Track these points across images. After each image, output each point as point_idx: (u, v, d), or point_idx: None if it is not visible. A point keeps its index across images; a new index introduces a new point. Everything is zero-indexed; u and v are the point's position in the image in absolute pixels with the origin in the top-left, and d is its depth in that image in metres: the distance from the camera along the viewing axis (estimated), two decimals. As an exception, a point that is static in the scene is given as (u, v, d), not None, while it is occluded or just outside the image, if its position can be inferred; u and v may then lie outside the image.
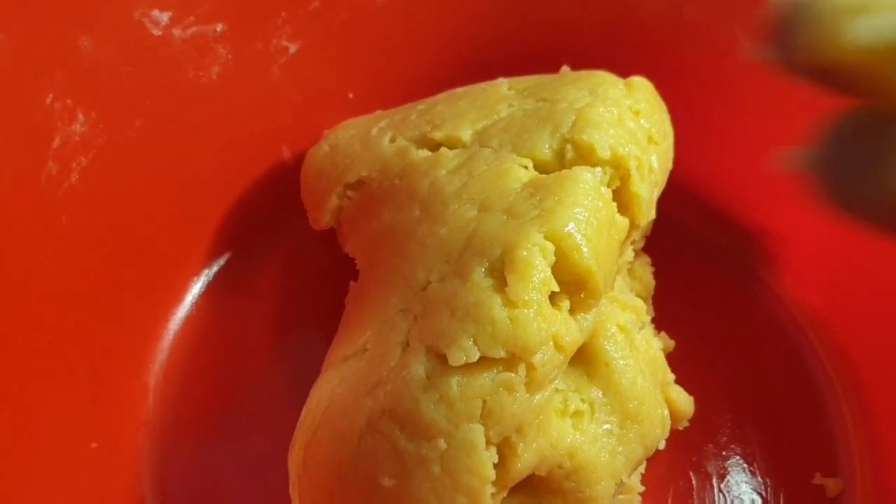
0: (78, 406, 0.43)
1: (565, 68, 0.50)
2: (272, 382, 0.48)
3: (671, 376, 0.46)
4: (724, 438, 0.48)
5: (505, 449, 0.36)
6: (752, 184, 0.53)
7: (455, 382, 0.35)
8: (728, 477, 0.47)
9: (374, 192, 0.47)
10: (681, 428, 0.46)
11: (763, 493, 0.46)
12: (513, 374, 0.35)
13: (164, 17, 0.46)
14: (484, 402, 0.35)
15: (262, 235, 0.54)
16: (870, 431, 0.47)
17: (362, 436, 0.35)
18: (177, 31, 0.47)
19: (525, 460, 0.36)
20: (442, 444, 0.34)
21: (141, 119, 0.47)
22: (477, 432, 0.34)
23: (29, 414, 0.40)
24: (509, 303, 0.35)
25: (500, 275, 0.36)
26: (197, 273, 0.53)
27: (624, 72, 0.48)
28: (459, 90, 0.51)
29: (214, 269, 0.53)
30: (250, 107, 0.52)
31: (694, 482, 0.47)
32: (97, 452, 0.44)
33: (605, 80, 0.46)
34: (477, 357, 0.35)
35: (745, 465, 0.47)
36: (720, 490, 0.46)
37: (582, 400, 0.40)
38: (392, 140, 0.48)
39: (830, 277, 0.52)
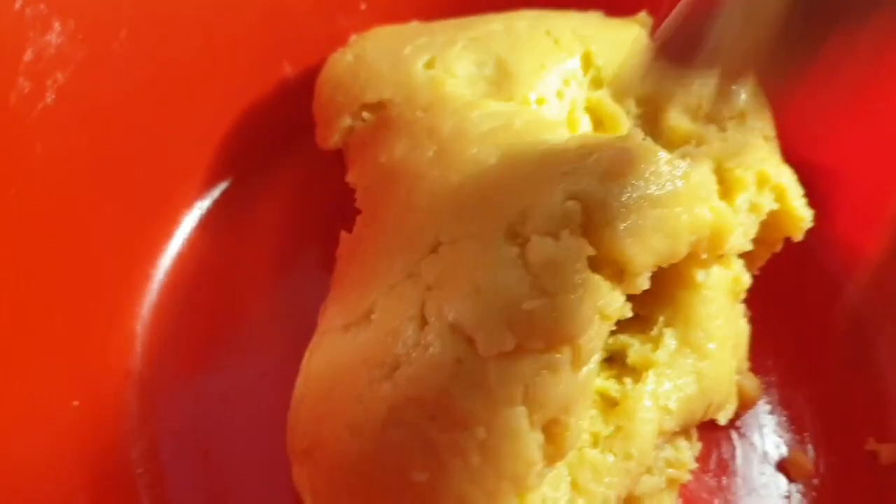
0: (56, 361, 0.41)
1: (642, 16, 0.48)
2: (270, 330, 0.46)
3: (747, 363, 0.44)
4: (771, 400, 0.46)
5: (554, 428, 0.33)
6: (808, 107, 0.49)
7: (492, 368, 0.32)
8: (773, 442, 0.45)
9: (392, 120, 0.44)
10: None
11: (812, 458, 0.45)
12: (557, 355, 0.32)
13: None
14: (526, 386, 0.32)
15: (260, 163, 0.52)
16: None
17: (385, 427, 0.33)
18: None
19: (576, 433, 0.33)
20: (481, 432, 0.32)
21: (126, 29, 0.44)
22: (520, 417, 0.32)
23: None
24: (542, 291, 0.32)
25: (523, 240, 0.34)
26: (189, 206, 0.50)
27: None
28: (521, 23, 0.46)
29: (208, 202, 0.51)
30: (249, 17, 0.49)
31: (737, 447, 0.45)
32: (79, 411, 0.42)
33: None
34: (513, 347, 0.32)
35: (793, 429, 0.46)
36: (764, 457, 0.45)
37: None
38: (429, 66, 0.44)
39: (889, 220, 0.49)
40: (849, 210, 0.50)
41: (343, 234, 0.42)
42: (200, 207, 0.50)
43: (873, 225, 0.49)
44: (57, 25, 0.40)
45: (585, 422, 0.35)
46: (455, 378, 0.32)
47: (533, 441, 0.32)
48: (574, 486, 0.36)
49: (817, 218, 0.48)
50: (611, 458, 0.37)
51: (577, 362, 0.33)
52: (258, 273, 0.49)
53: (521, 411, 0.32)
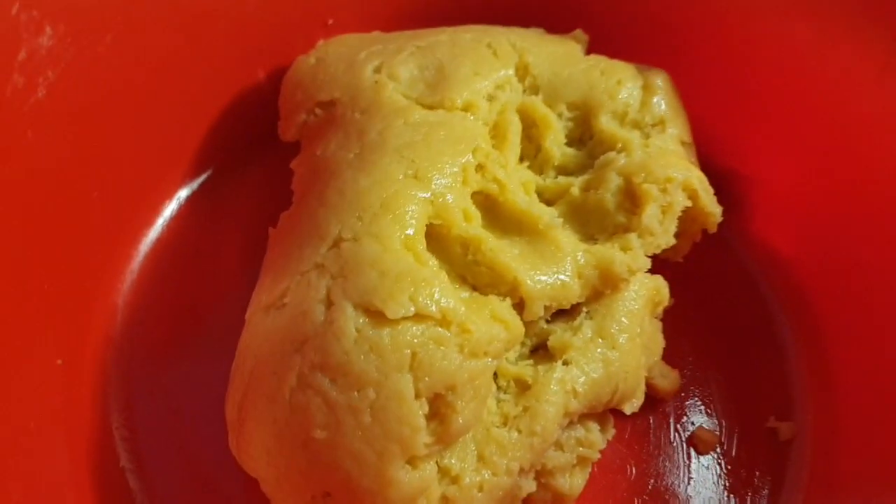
0: (44, 323, 0.44)
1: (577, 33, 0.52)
2: (240, 306, 0.48)
3: (661, 352, 0.47)
4: (684, 380, 0.49)
5: (441, 406, 0.37)
6: (727, 126, 0.54)
7: (386, 334, 0.36)
8: (685, 417, 0.48)
9: (336, 118, 0.47)
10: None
11: (717, 433, 0.48)
12: (443, 330, 0.36)
13: None
14: (414, 353, 0.36)
15: (236, 157, 0.55)
16: (825, 378, 0.48)
17: (293, 392, 0.36)
18: None
19: (465, 417, 0.37)
20: (371, 393, 0.35)
21: (112, 34, 0.46)
22: (406, 382, 0.36)
23: None
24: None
25: (422, 247, 0.39)
26: (170, 196, 0.53)
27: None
28: (466, 35, 0.50)
29: (187, 191, 0.54)
30: (228, 28, 0.51)
31: (651, 421, 0.48)
32: (63, 369, 0.45)
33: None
34: (413, 312, 0.36)
35: (703, 407, 0.48)
36: (676, 430, 0.48)
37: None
38: (377, 70, 0.48)
39: (798, 221, 0.52)
40: (763, 210, 0.53)
41: (282, 215, 0.45)
42: (179, 198, 0.53)
43: (785, 223, 0.53)
44: (48, 29, 0.43)
45: (485, 411, 0.39)
46: (355, 343, 0.36)
47: (417, 408, 0.36)
48: (480, 458, 0.39)
49: (735, 217, 0.53)
50: (515, 434, 0.40)
51: (465, 347, 0.37)
52: (230, 256, 0.52)
53: (407, 378, 0.36)
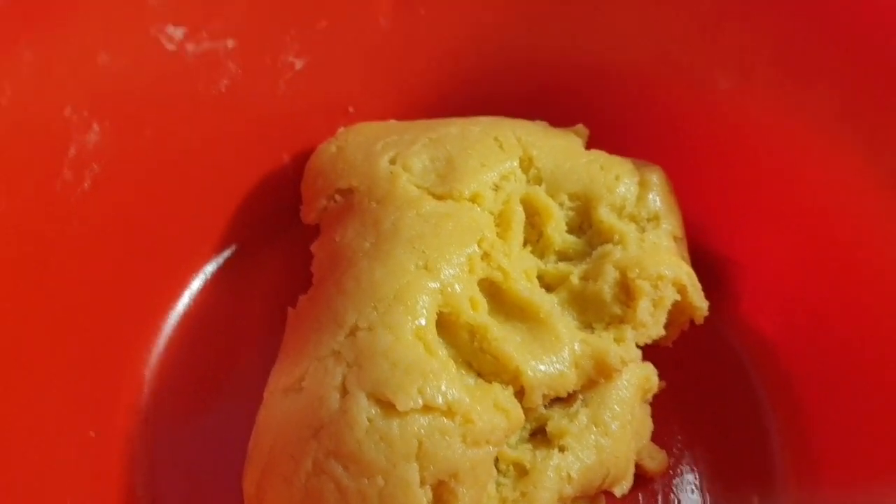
0: (78, 396, 0.48)
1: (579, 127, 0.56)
2: (260, 379, 0.51)
3: (650, 435, 0.50)
4: (672, 459, 0.52)
5: (444, 492, 0.39)
6: (718, 216, 0.57)
7: (395, 424, 0.39)
8: (672, 495, 0.51)
9: (353, 205, 0.51)
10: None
11: None
12: (448, 421, 0.39)
13: (179, 32, 0.49)
14: (420, 442, 0.39)
15: (260, 236, 0.59)
16: (807, 459, 0.51)
17: (308, 476, 0.39)
18: (189, 47, 0.50)
19: (466, 503, 0.40)
20: (380, 480, 0.38)
21: (151, 129, 0.50)
22: (412, 471, 0.39)
23: (33, 402, 0.44)
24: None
25: (433, 336, 0.42)
26: (196, 270, 0.57)
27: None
28: (474, 128, 0.53)
29: (213, 266, 0.58)
30: (256, 117, 0.55)
31: (640, 498, 0.50)
32: (95, 441, 0.48)
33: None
34: (421, 404, 0.39)
35: (689, 485, 0.51)
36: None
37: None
38: (392, 161, 0.51)
39: (783, 306, 0.55)
40: (751, 295, 0.57)
41: (300, 297, 0.48)
42: (205, 274, 0.57)
43: (771, 308, 0.56)
44: (95, 126, 0.47)
45: (485, 496, 0.41)
46: (367, 433, 0.39)
47: (422, 495, 0.39)
48: None
49: (724, 301, 0.56)
50: None
51: (468, 437, 0.39)
52: (251, 330, 0.55)
53: (413, 466, 0.39)
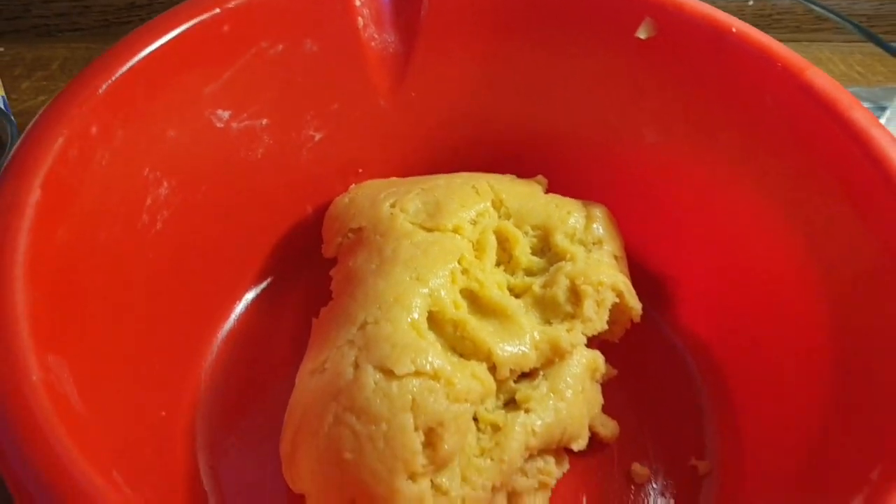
0: (154, 386, 0.56)
1: (539, 177, 0.68)
2: (293, 377, 0.56)
3: (600, 406, 0.60)
4: (623, 429, 0.62)
5: (433, 437, 0.48)
6: (650, 239, 0.69)
7: (394, 385, 0.49)
8: (624, 458, 0.61)
9: (362, 239, 0.61)
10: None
11: (650, 469, 0.61)
12: (435, 383, 0.50)
13: (226, 114, 0.60)
14: (413, 398, 0.49)
15: (290, 270, 0.69)
16: (733, 428, 0.61)
17: (330, 427, 0.48)
18: (234, 124, 0.61)
19: (450, 445, 0.49)
20: (384, 426, 0.47)
21: (206, 185, 0.59)
22: (408, 419, 0.48)
23: (122, 389, 0.52)
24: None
25: (424, 327, 0.53)
26: (239, 298, 0.67)
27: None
28: (457, 180, 0.65)
29: (252, 294, 0.68)
30: (285, 177, 0.65)
31: (598, 460, 0.61)
32: (165, 420, 0.55)
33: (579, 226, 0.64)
34: (413, 370, 0.49)
35: (638, 450, 0.61)
36: (617, 467, 0.60)
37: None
38: (392, 205, 0.63)
39: (711, 309, 0.66)
40: (685, 301, 0.68)
41: (322, 309, 0.58)
42: (247, 299, 0.67)
43: (701, 311, 0.67)
44: (165, 183, 0.55)
45: (467, 443, 0.50)
46: (373, 392, 0.49)
47: (416, 438, 0.46)
48: (463, 478, 0.50)
49: (666, 308, 0.67)
50: (489, 461, 0.51)
51: (450, 395, 0.49)
52: (284, 342, 0.64)
53: (409, 416, 0.48)
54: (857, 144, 0.53)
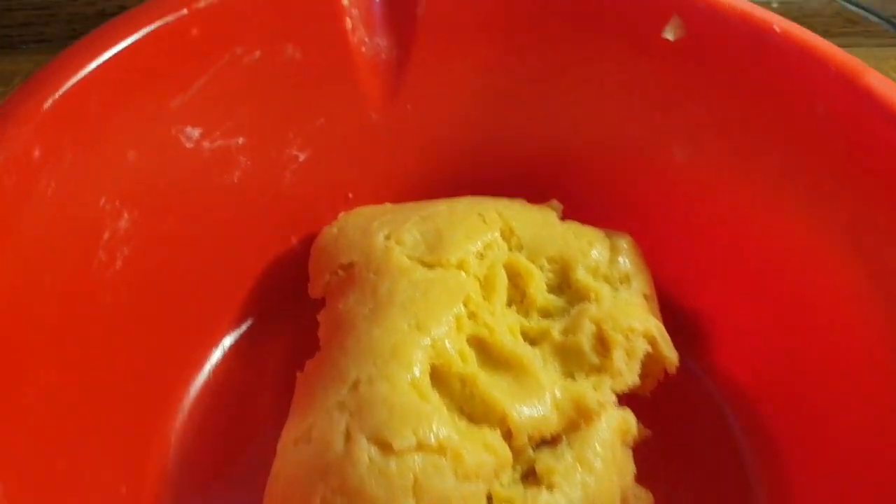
0: (112, 456, 0.51)
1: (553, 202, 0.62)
2: (274, 438, 0.53)
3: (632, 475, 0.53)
4: (657, 500, 0.54)
5: None
6: (682, 272, 0.62)
7: (393, 462, 0.43)
8: None
9: (354, 277, 0.55)
10: None
11: None
12: (440, 458, 0.43)
13: (196, 132, 0.55)
14: (416, 477, 0.43)
15: (272, 311, 0.63)
16: (784, 494, 0.54)
17: None
18: (205, 144, 0.56)
19: None
20: None
21: (174, 216, 0.55)
22: (409, 503, 0.42)
23: (75, 456, 0.47)
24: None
25: (426, 385, 0.46)
26: (215, 343, 0.62)
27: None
28: (460, 206, 0.59)
29: (230, 339, 0.62)
30: (266, 204, 0.61)
31: None
32: (125, 498, 0.51)
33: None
34: (415, 443, 0.43)
35: None
36: None
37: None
38: (387, 237, 0.57)
39: (755, 356, 0.59)
40: (724, 346, 0.60)
41: (307, 362, 0.52)
42: (224, 345, 0.61)
43: (744, 358, 0.60)
44: (126, 214, 0.51)
45: None
46: (368, 470, 0.43)
47: None
48: None
49: (701, 353, 0.61)
50: None
51: (459, 472, 0.43)
52: (265, 396, 0.59)
53: (410, 500, 0.42)
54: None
